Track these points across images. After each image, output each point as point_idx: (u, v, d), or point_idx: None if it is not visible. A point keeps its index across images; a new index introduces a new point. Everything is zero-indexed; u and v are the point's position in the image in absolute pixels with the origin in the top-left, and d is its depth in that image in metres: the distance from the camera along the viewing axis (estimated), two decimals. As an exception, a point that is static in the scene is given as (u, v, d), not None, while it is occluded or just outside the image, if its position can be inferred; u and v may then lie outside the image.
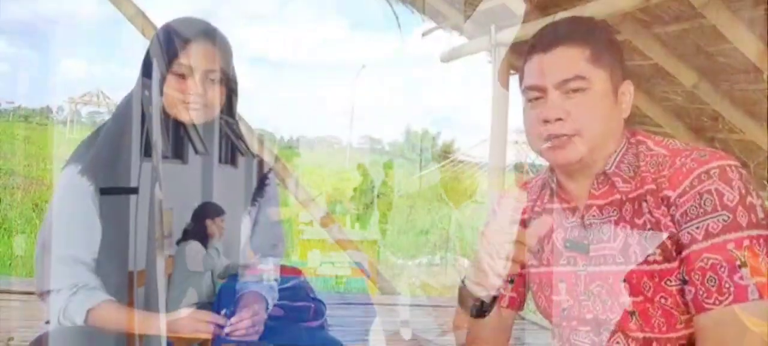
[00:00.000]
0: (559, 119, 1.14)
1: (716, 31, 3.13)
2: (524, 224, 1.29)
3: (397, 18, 4.76)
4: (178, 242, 1.53)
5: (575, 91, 1.13)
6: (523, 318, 4.11)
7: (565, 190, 1.23)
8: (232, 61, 1.49)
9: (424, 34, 4.99)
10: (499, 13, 4.30)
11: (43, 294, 1.40)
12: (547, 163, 1.26)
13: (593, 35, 1.17)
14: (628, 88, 1.18)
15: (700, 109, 3.94)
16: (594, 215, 1.18)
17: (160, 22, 1.55)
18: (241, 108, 1.59)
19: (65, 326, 1.37)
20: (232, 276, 1.59)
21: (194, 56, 1.42)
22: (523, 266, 1.31)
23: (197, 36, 1.43)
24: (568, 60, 1.14)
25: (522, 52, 1.24)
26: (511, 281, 1.33)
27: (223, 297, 1.54)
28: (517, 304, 1.36)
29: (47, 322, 1.41)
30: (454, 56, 5.06)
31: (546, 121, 1.15)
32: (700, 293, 1.05)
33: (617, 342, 1.15)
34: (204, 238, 1.55)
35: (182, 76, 1.42)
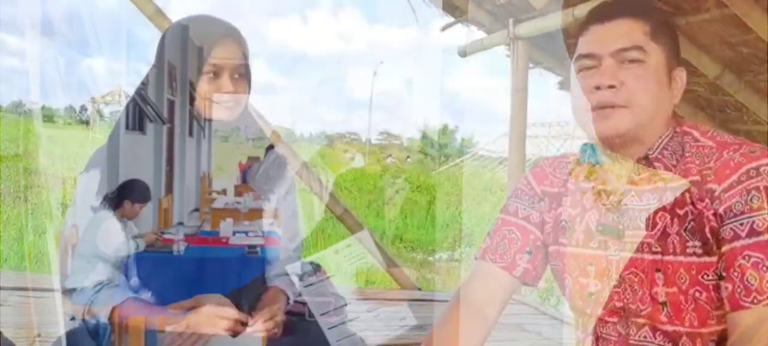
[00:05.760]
0: (612, 86, 1.11)
1: (740, 21, 3.09)
2: (557, 198, 1.27)
3: (414, 12, 4.75)
4: (95, 210, 1.45)
5: (631, 61, 1.11)
6: (543, 312, 4.09)
7: (604, 169, 1.20)
8: (249, 55, 1.52)
9: (443, 29, 4.98)
10: (517, 7, 4.28)
11: (67, 291, 1.43)
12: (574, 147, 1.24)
13: (653, 12, 1.15)
14: (680, 74, 1.16)
15: (724, 100, 3.89)
16: (632, 200, 1.15)
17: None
18: (259, 104, 1.61)
19: (90, 323, 1.39)
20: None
21: (222, 56, 1.44)
22: (545, 242, 1.29)
23: (222, 35, 1.46)
24: (628, 30, 1.12)
25: (542, 45, 1.24)
26: (529, 252, 1.28)
27: (130, 268, 1.47)
28: (531, 278, 1.29)
29: (72, 318, 1.44)
30: (473, 50, 5.04)
31: (598, 88, 1.12)
32: (738, 290, 1.03)
33: (645, 335, 1.13)
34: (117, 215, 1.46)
35: (213, 77, 1.45)
